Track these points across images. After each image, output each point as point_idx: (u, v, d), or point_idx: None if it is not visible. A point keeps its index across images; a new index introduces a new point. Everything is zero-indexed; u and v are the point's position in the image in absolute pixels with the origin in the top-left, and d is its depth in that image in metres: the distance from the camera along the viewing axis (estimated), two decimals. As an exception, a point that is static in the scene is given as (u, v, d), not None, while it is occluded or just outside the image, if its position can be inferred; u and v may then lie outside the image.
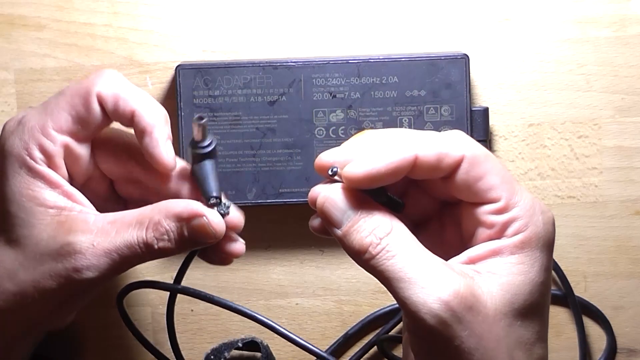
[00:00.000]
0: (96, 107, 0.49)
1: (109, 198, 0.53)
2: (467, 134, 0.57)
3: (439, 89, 0.58)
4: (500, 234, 0.44)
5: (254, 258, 0.61)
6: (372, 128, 0.57)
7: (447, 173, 0.44)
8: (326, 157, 0.45)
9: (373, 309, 0.61)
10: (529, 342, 0.44)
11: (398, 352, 0.62)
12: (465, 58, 0.57)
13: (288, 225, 0.61)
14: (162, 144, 0.48)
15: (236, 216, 0.49)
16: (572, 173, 0.61)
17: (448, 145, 0.44)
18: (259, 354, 0.61)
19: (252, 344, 0.61)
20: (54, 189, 0.48)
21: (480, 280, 0.43)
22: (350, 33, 0.60)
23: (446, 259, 0.44)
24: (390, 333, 0.61)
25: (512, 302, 0.43)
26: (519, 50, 0.60)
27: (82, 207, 0.49)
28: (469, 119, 0.58)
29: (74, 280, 0.47)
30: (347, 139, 0.54)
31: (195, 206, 0.48)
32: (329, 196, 0.44)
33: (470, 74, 0.58)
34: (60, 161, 0.49)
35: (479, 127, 0.58)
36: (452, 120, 0.58)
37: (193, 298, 0.60)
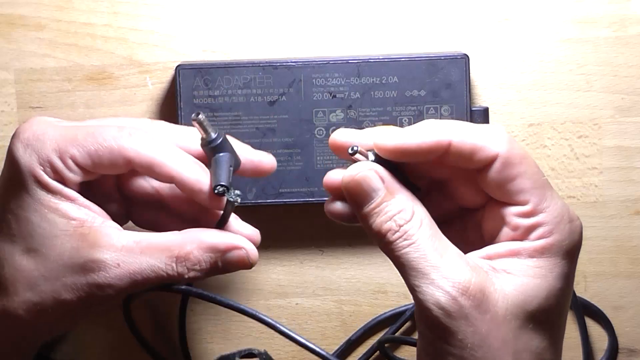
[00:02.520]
0: (122, 166, 0.48)
1: (111, 196, 0.53)
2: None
3: (439, 89, 0.58)
4: (523, 236, 0.44)
5: (254, 258, 0.61)
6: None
7: (479, 166, 0.44)
8: (342, 136, 0.45)
9: (373, 309, 0.61)
10: (539, 347, 0.43)
11: (400, 353, 0.62)
12: (465, 58, 0.57)
13: (288, 225, 0.61)
14: (206, 194, 0.48)
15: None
16: (572, 173, 0.61)
17: (485, 139, 0.43)
18: None
19: (249, 356, 0.60)
20: (72, 202, 0.48)
21: (494, 277, 0.43)
22: (350, 33, 0.60)
23: (465, 253, 0.44)
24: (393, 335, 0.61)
25: (524, 304, 0.43)
26: (519, 50, 0.60)
27: (103, 219, 0.48)
28: (469, 119, 0.58)
29: (95, 295, 0.47)
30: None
31: (232, 239, 0.48)
32: (356, 176, 0.44)
33: (470, 74, 0.58)
34: (73, 184, 0.48)
35: (479, 127, 0.58)
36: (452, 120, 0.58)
37: (193, 298, 0.60)
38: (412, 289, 0.42)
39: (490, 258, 0.44)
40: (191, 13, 0.60)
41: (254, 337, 0.62)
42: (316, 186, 0.58)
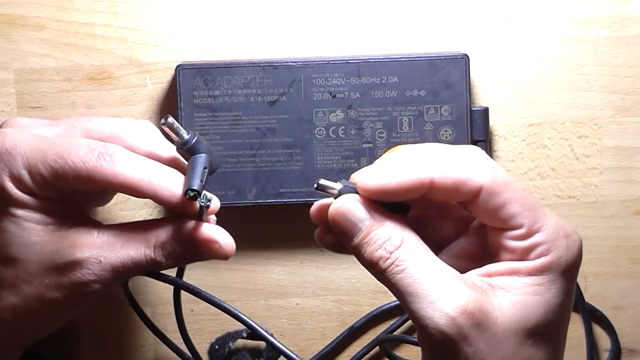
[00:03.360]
0: (94, 188, 0.47)
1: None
2: (467, 134, 0.58)
3: (439, 89, 0.58)
4: (522, 257, 0.44)
5: (254, 258, 0.61)
6: (405, 143, 0.58)
7: (465, 199, 0.44)
8: (356, 176, 0.45)
9: (373, 309, 0.61)
10: None
11: (400, 352, 0.62)
12: (465, 58, 0.57)
13: (288, 225, 0.61)
14: (181, 201, 0.47)
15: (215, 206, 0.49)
16: (572, 173, 0.61)
17: (467, 172, 0.43)
18: (263, 344, 0.60)
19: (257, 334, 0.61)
20: (45, 210, 0.47)
21: (492, 295, 0.43)
22: (350, 33, 0.60)
23: (468, 270, 0.44)
24: (394, 333, 0.61)
25: (523, 321, 0.43)
26: (519, 50, 0.60)
27: (78, 218, 0.48)
28: (469, 119, 0.58)
29: (81, 293, 0.47)
30: (346, 139, 0.54)
31: (206, 231, 0.48)
32: (340, 208, 0.44)
33: (470, 74, 0.58)
34: (44, 194, 0.48)
35: (479, 127, 0.58)
36: (452, 120, 0.58)
37: (193, 298, 0.60)
38: (411, 314, 0.42)
39: (489, 275, 0.44)
40: (191, 13, 0.60)
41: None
42: (316, 186, 0.58)
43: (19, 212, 0.47)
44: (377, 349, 0.61)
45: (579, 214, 0.61)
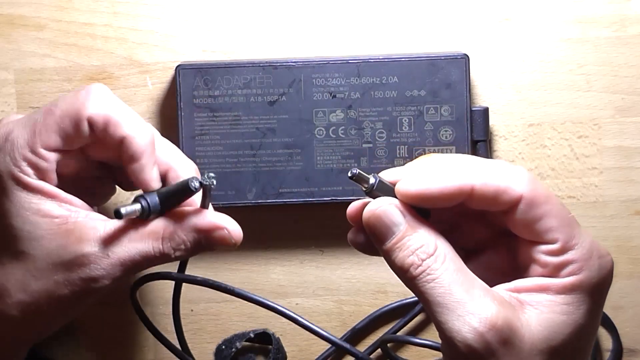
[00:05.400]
0: (86, 130, 0.48)
1: (94, 178, 0.53)
2: (467, 134, 0.58)
3: (439, 89, 0.58)
4: (552, 273, 0.43)
5: (254, 258, 0.61)
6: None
7: (504, 208, 0.43)
8: (387, 176, 0.45)
9: (373, 309, 0.61)
10: None
11: (401, 353, 0.62)
12: (465, 58, 0.57)
13: (288, 225, 0.61)
14: (148, 171, 0.48)
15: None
16: (572, 173, 0.61)
17: (508, 181, 0.43)
18: (269, 346, 0.61)
19: (263, 336, 0.61)
20: (53, 200, 0.48)
21: (520, 312, 0.43)
22: (350, 33, 0.60)
23: (495, 284, 0.44)
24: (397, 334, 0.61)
25: (549, 340, 0.42)
26: (519, 50, 0.60)
27: (86, 212, 0.48)
28: (469, 119, 0.58)
29: (89, 288, 0.47)
30: (346, 139, 0.54)
31: (214, 218, 0.48)
32: (376, 210, 0.44)
33: (470, 74, 0.58)
34: (52, 174, 0.48)
35: (479, 127, 0.58)
36: (452, 120, 0.58)
37: (193, 298, 0.60)
38: (438, 324, 0.42)
39: (518, 291, 0.44)
40: (191, 13, 0.60)
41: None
42: (316, 186, 0.58)
43: (26, 201, 0.47)
44: (379, 350, 0.61)
45: (579, 214, 0.61)
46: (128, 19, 0.60)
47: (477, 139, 0.58)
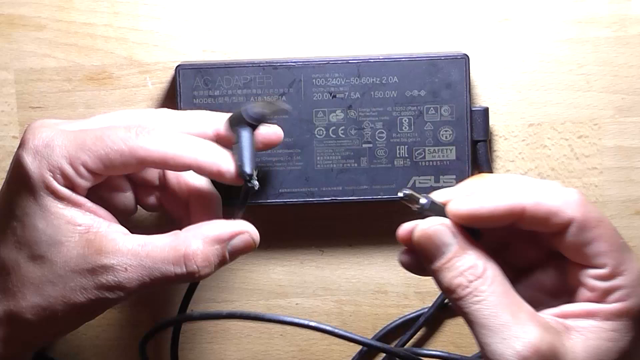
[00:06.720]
0: (136, 168, 0.48)
1: (122, 187, 0.53)
2: (467, 134, 0.58)
3: (439, 89, 0.58)
4: (600, 299, 0.43)
5: (254, 258, 0.61)
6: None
7: (554, 230, 0.43)
8: (439, 196, 0.45)
9: (373, 309, 0.61)
10: None
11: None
12: (465, 58, 0.57)
13: (288, 225, 0.61)
14: (228, 174, 0.49)
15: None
16: (572, 173, 0.61)
17: (560, 203, 0.43)
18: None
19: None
20: (79, 208, 0.48)
21: (566, 337, 0.43)
22: (350, 33, 0.60)
23: (543, 306, 0.44)
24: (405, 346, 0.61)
25: None
26: (519, 50, 0.60)
27: (109, 223, 0.48)
28: (469, 119, 0.58)
29: (105, 297, 0.47)
30: (346, 139, 0.54)
31: (233, 226, 0.48)
32: (427, 230, 0.44)
33: (470, 74, 0.58)
34: (84, 188, 0.48)
35: (479, 127, 0.58)
36: (452, 120, 0.58)
37: (193, 298, 0.60)
38: (482, 346, 0.42)
39: (565, 317, 0.44)
40: (191, 13, 0.60)
41: (254, 337, 0.62)
42: (316, 186, 0.58)
43: (52, 205, 0.47)
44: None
45: (579, 214, 0.61)
46: (128, 19, 0.60)
47: (477, 139, 0.58)
